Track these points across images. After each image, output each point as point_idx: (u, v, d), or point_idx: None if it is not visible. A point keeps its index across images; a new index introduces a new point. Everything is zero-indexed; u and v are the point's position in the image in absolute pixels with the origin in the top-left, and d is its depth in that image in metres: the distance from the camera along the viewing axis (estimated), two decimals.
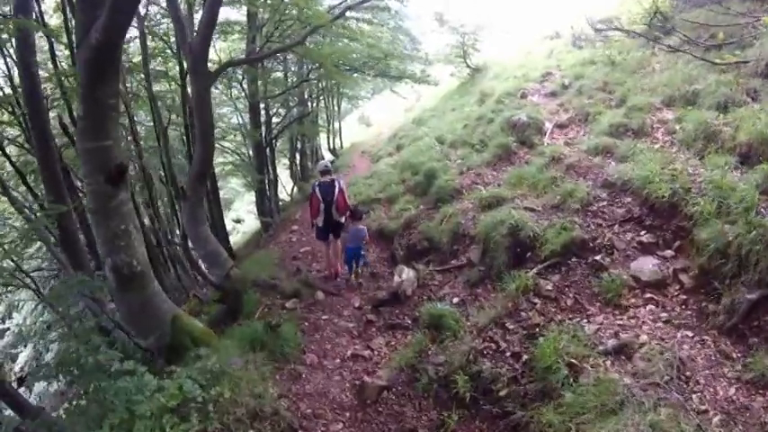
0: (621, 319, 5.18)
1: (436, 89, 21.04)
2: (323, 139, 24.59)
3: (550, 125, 9.87)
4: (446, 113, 16.44)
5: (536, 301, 5.47)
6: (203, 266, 7.84)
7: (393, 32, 16.77)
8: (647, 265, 5.62)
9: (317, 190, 7.41)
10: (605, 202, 6.61)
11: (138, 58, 10.64)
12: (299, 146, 20.87)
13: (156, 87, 13.51)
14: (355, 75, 13.79)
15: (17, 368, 17.87)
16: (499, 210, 7.13)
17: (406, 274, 7.03)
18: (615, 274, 5.50)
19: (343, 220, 7.61)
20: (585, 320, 5.19)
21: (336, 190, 7.34)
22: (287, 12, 9.96)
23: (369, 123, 29.94)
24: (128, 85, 10.99)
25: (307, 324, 6.86)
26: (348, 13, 10.92)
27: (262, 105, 15.77)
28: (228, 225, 26.22)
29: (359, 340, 6.51)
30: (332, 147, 24.11)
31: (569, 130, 9.75)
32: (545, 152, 8.69)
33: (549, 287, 5.54)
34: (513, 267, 6.14)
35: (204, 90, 7.10)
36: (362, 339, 6.50)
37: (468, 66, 19.70)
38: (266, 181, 16.27)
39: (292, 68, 17.32)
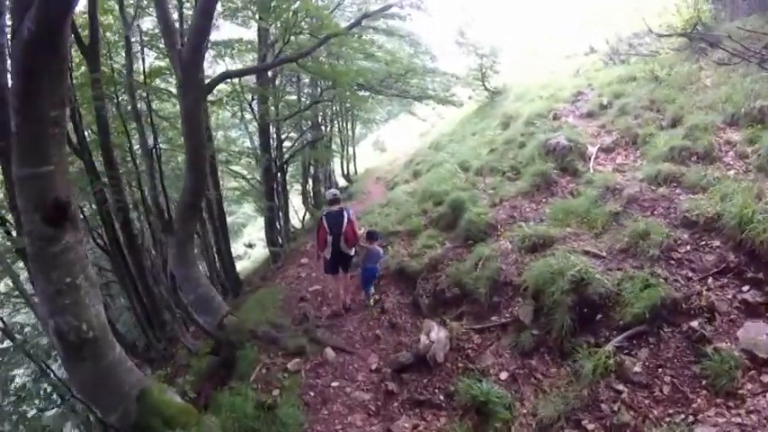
0: (739, 415, 3.63)
1: (453, 113, 19.84)
2: (336, 164, 23.35)
3: (594, 149, 8.40)
4: (466, 138, 15.12)
5: (620, 387, 3.93)
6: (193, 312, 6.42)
7: (413, 46, 15.40)
8: (760, 335, 4.08)
9: (324, 221, 6.66)
10: (689, 247, 5.08)
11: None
12: (311, 171, 19.58)
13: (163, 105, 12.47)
14: (372, 96, 12.49)
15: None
16: (550, 253, 5.66)
17: (436, 333, 5.51)
18: (723, 350, 3.95)
19: (352, 252, 6.84)
20: (692, 417, 3.64)
21: (345, 221, 6.58)
22: (299, 25, 8.67)
23: (383, 149, 28.73)
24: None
25: (312, 394, 5.38)
26: (364, 23, 9.61)
27: (273, 128, 14.51)
28: (240, 249, 25.16)
29: (377, 420, 5.01)
30: (346, 172, 22.82)
31: (616, 154, 8.28)
32: (593, 180, 7.25)
33: (638, 369, 3.99)
34: (579, 334, 4.62)
35: (195, 104, 5.79)
36: (382, 419, 4.99)
37: (486, 88, 18.39)
38: (276, 208, 14.91)
39: (306, 90, 16.11)
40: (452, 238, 7.69)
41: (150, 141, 7.02)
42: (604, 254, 5.40)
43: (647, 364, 4.04)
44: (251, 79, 13.09)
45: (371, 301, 7.20)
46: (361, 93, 11.47)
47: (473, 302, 6.02)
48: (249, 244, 24.86)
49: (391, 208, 11.64)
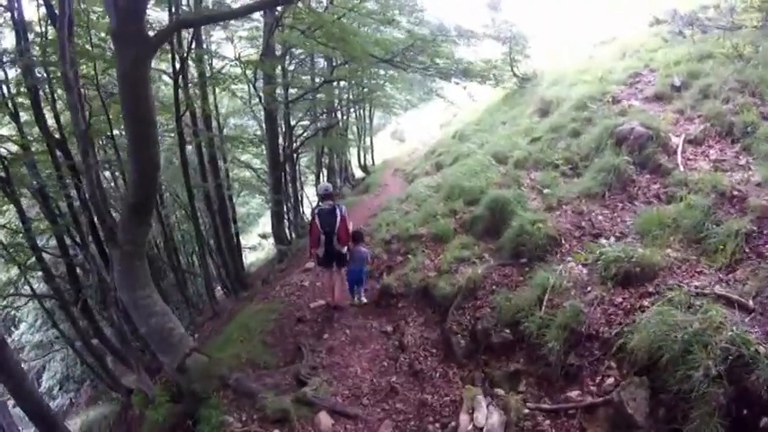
0: None
1: (477, 102, 17.61)
2: (353, 155, 21.30)
3: (679, 140, 6.20)
4: (495, 127, 12.94)
5: None
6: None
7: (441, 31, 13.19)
8: None
9: (316, 219, 6.01)
10: None
11: None
12: (326, 161, 17.55)
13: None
14: (390, 76, 10.27)
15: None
16: (656, 291, 3.57)
17: (485, 415, 3.43)
18: None
19: (345, 250, 6.15)
20: None
21: (338, 219, 5.95)
22: None
23: (402, 139, 26.55)
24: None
25: None
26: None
27: (281, 114, 12.48)
28: (254, 240, 23.38)
29: None
30: (362, 163, 20.76)
31: (707, 147, 6.06)
32: (688, 181, 5.11)
33: None
34: None
35: (135, 67, 3.76)
36: None
37: (515, 74, 16.09)
38: (284, 201, 12.94)
39: (321, 68, 13.99)
40: (495, 252, 5.61)
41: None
42: (751, 303, 3.26)
43: None
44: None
45: (359, 301, 6.43)
46: (382, 64, 9.17)
47: (536, 357, 3.91)
48: (263, 235, 23.05)
49: (411, 204, 9.65)
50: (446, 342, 4.83)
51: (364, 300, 6.43)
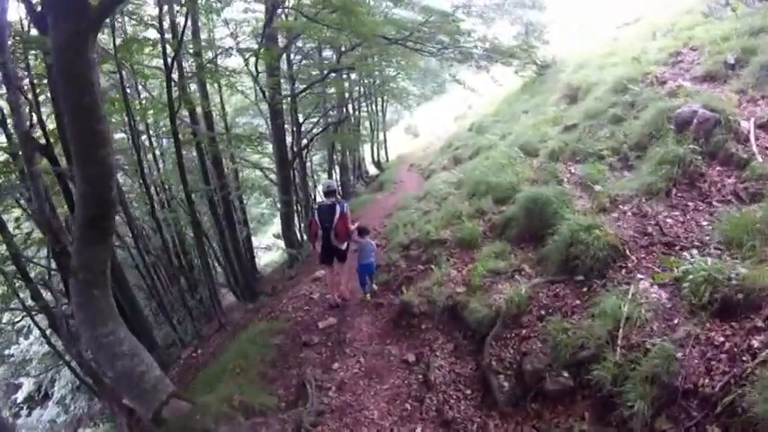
0: None
1: (492, 93, 16.44)
2: (367, 151, 20.27)
3: (749, 124, 5.06)
4: (516, 117, 11.88)
5: None
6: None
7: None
8: None
9: (315, 215, 5.90)
10: None
11: None
12: (338, 158, 16.55)
13: None
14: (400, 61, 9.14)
15: (20, 397, 14.93)
16: None
17: None
18: None
19: (343, 247, 5.95)
20: None
21: (336, 215, 5.72)
22: None
23: (416, 133, 25.46)
24: None
25: None
26: None
27: (289, 110, 11.49)
28: (269, 240, 22.49)
29: None
30: (376, 159, 19.72)
31: None
32: None
33: None
34: None
35: (72, 43, 2.79)
36: None
37: (533, 61, 14.85)
38: (294, 202, 11.98)
39: (330, 59, 12.93)
40: (537, 263, 4.57)
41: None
42: None
43: None
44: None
45: (369, 295, 6.06)
46: (395, 44, 8.03)
47: (610, 418, 2.87)
48: (278, 234, 22.18)
49: (430, 202, 8.71)
50: (483, 382, 3.81)
51: (368, 296, 6.07)
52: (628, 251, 3.85)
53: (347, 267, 6.28)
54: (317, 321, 5.96)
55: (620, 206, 4.54)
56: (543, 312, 3.84)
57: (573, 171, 5.89)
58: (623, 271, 3.72)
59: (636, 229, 4.09)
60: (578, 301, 3.74)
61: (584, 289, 3.79)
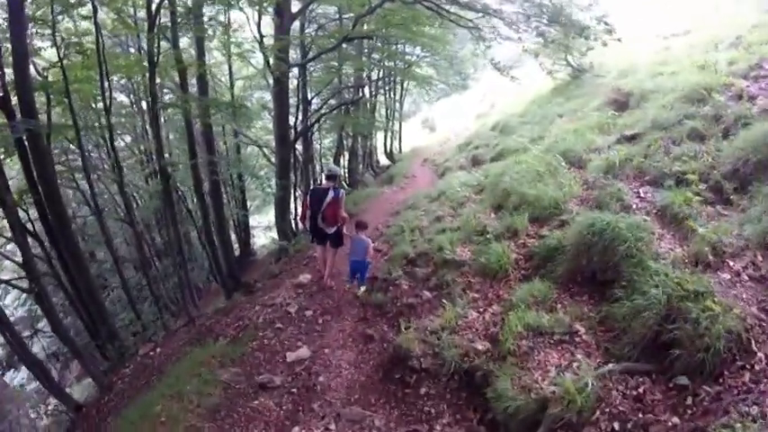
0: None
1: (517, 94, 14.85)
2: (380, 140, 18.66)
3: None
4: (548, 120, 10.31)
5: None
6: None
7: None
8: None
9: (308, 197, 5.77)
10: None
11: None
12: (348, 143, 14.97)
13: None
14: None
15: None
16: None
17: None
18: None
19: (331, 231, 5.63)
20: None
21: (328, 199, 5.42)
22: None
23: (433, 128, 23.86)
24: None
25: None
26: None
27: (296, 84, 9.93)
28: (271, 218, 20.97)
29: None
30: (389, 150, 18.11)
31: None
32: None
33: None
34: None
35: None
36: None
37: (569, 64, 13.16)
38: (292, 188, 10.46)
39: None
40: (600, 326, 3.00)
41: None
42: None
43: None
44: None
45: (360, 290, 5.57)
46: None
47: None
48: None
49: (445, 206, 7.24)
50: None
51: (362, 289, 5.60)
52: (753, 342, 2.28)
53: (332, 254, 5.95)
54: (286, 350, 4.48)
55: (729, 261, 2.96)
56: (618, 427, 2.29)
57: (643, 195, 4.30)
58: (747, 375, 2.17)
59: (760, 305, 2.51)
60: (676, 419, 2.20)
61: (687, 399, 2.24)
